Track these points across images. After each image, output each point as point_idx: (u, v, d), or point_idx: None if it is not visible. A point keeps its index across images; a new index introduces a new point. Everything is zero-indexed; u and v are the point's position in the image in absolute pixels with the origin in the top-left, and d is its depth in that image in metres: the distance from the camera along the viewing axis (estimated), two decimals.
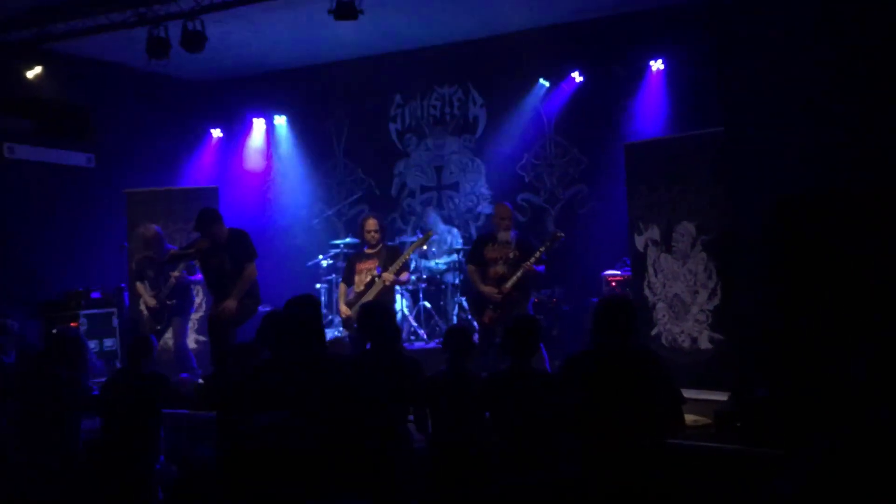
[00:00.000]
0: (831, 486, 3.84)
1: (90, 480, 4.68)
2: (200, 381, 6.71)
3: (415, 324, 8.08)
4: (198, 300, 8.05)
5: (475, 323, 6.86)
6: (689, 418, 5.13)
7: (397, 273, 6.74)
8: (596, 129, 8.37)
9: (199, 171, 10.02)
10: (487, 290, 6.48)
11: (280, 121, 10.02)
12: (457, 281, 8.33)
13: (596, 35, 8.18)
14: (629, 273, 7.18)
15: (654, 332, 6.64)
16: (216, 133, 10.15)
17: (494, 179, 9.11)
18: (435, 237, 8.58)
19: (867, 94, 6.28)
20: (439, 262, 8.48)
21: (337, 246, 8.71)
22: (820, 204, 6.64)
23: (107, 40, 7.69)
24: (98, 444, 4.87)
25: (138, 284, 7.62)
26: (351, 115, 9.81)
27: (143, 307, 7.64)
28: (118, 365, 8.04)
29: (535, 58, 8.49)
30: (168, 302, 7.35)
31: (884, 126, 6.11)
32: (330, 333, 7.55)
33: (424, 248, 8.03)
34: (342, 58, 9.38)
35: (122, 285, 8.41)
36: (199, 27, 6.89)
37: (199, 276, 7.09)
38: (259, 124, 10.10)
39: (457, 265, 8.32)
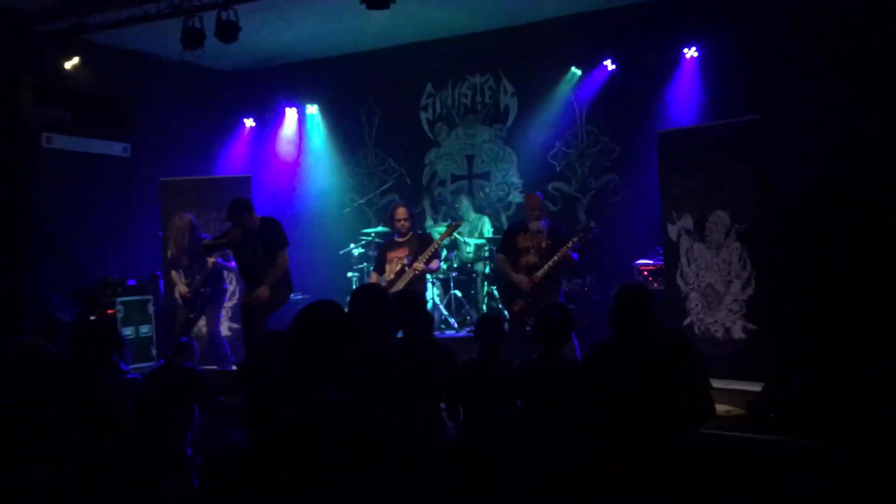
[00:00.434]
0: (865, 478, 3.80)
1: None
2: (234, 367, 6.80)
3: (445, 312, 8.11)
4: (231, 288, 8.15)
5: (505, 312, 6.86)
6: (723, 408, 5.12)
7: (427, 261, 6.76)
8: (628, 118, 8.30)
9: (233, 160, 10.12)
10: (519, 278, 6.48)
11: (312, 110, 10.07)
12: (487, 270, 8.33)
13: (629, 22, 8.10)
14: (661, 262, 7.14)
15: (686, 321, 6.59)
16: (249, 122, 10.23)
17: (525, 168, 9.09)
18: (464, 225, 8.58)
19: None
20: (470, 250, 8.48)
21: (368, 235, 8.75)
22: (858, 191, 6.55)
23: (142, 31, 7.79)
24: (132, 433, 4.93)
25: (173, 273, 7.74)
26: (382, 105, 9.84)
27: (177, 295, 7.76)
28: (153, 351, 8.19)
29: (566, 46, 8.44)
30: (202, 290, 7.45)
31: None
32: None
33: (455, 236, 8.05)
34: (373, 47, 9.40)
35: (158, 273, 8.53)
36: (232, 17, 6.95)
37: (234, 264, 7.17)
38: (291, 114, 10.16)
39: (487, 254, 8.32)
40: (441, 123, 9.55)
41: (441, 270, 7.84)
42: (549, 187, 8.73)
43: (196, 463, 4.86)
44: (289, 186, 10.19)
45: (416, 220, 7.42)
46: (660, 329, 3.93)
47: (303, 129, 10.21)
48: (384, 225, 8.66)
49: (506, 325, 5.77)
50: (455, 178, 9.50)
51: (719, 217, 6.44)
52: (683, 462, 3.60)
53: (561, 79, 8.63)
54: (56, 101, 8.54)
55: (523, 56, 8.90)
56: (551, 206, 8.45)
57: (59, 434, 4.18)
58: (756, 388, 5.34)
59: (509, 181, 9.20)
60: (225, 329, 8.09)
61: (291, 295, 6.89)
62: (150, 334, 8.25)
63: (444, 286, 8.33)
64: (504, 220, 9.03)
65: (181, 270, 7.63)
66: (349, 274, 8.73)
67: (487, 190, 9.30)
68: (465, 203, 9.10)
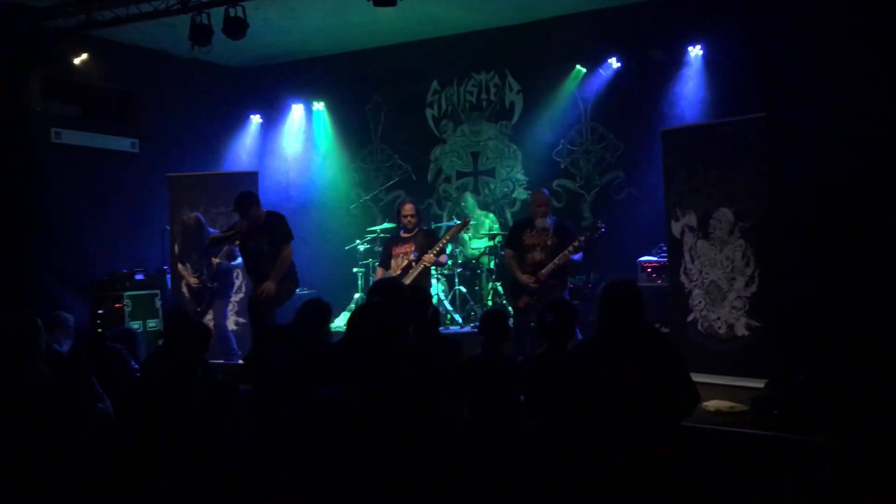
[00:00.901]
0: (868, 475, 3.83)
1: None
2: (241, 361, 6.85)
3: (450, 308, 8.15)
4: (238, 282, 8.21)
5: (510, 308, 6.90)
6: (726, 405, 5.15)
7: (437, 255, 6.80)
8: (633, 115, 8.33)
9: (240, 155, 10.17)
10: (525, 278, 6.52)
11: (318, 106, 10.11)
12: (492, 265, 8.37)
13: (634, 20, 8.12)
14: (665, 259, 7.16)
15: (689, 318, 6.62)
16: (256, 118, 10.28)
17: (530, 165, 9.12)
18: (472, 223, 8.62)
19: None
20: (475, 248, 8.52)
21: (374, 231, 8.80)
22: (864, 189, 6.56)
23: (151, 27, 7.85)
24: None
25: (179, 266, 7.81)
26: (388, 101, 9.88)
27: (184, 289, 7.81)
28: (161, 344, 8.23)
29: (572, 43, 8.47)
30: (210, 285, 7.51)
31: None
32: None
33: (463, 233, 8.09)
34: (380, 44, 9.44)
35: (165, 267, 8.59)
36: (240, 14, 6.99)
37: (240, 262, 7.23)
38: (298, 110, 10.21)
39: (492, 250, 8.35)
40: (446, 120, 9.58)
41: (447, 266, 7.88)
42: (554, 184, 8.77)
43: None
44: (295, 182, 10.23)
45: (423, 216, 7.46)
46: (646, 323, 3.99)
47: (309, 125, 10.26)
48: (390, 221, 8.70)
49: (510, 321, 5.82)
50: (460, 175, 9.53)
51: (723, 214, 6.46)
52: (680, 454, 3.63)
53: (566, 76, 8.66)
54: (65, 96, 8.60)
55: (529, 53, 8.94)
56: (556, 202, 8.49)
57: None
58: (759, 384, 5.37)
59: (514, 178, 9.23)
60: (231, 323, 8.14)
61: (297, 289, 6.95)
62: (157, 328, 8.31)
63: (449, 282, 8.37)
64: (509, 216, 9.07)
65: (188, 265, 7.69)
66: (354, 269, 8.78)
67: (492, 186, 9.33)
68: (470, 201, 9.14)
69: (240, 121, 10.23)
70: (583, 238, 6.49)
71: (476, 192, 9.36)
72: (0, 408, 3.81)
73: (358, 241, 8.87)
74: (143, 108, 9.24)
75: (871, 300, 6.15)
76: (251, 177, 8.62)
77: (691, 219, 6.65)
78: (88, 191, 8.66)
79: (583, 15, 8.33)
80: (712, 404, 5.19)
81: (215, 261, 7.43)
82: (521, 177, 9.19)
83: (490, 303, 8.23)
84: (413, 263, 6.81)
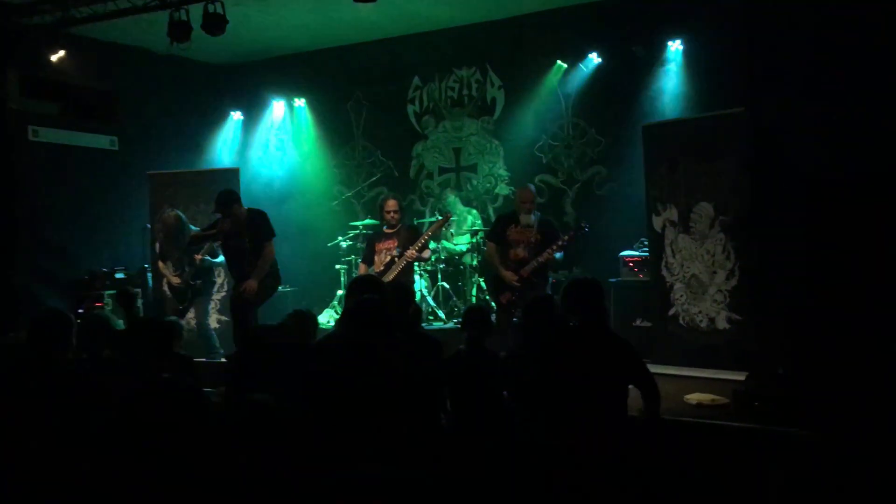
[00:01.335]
0: (848, 466, 3.87)
1: None
2: (223, 360, 6.81)
3: (433, 304, 8.16)
4: (219, 280, 8.16)
5: (493, 303, 6.91)
6: (707, 397, 5.19)
7: (419, 251, 6.80)
8: (614, 111, 8.35)
9: (221, 152, 10.11)
10: (507, 275, 6.52)
11: (299, 103, 10.06)
12: (475, 262, 8.38)
13: (614, 15, 8.13)
14: (647, 254, 7.20)
15: (671, 312, 6.67)
16: (237, 115, 10.22)
17: (512, 161, 9.13)
18: (454, 218, 8.63)
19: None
20: (458, 244, 8.53)
21: (356, 227, 8.78)
22: (844, 182, 6.61)
23: (129, 24, 7.76)
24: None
25: (160, 264, 7.74)
26: (370, 98, 9.84)
27: (165, 287, 7.76)
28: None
29: (553, 39, 8.48)
30: (192, 282, 7.46)
31: None
32: None
33: (444, 229, 8.07)
34: (361, 40, 9.41)
35: (146, 266, 8.53)
36: (219, 10, 6.94)
37: (222, 259, 7.18)
38: (279, 106, 10.16)
39: (475, 246, 8.36)
40: (428, 116, 9.57)
41: (430, 262, 7.88)
42: (536, 179, 8.76)
43: None
44: (276, 179, 10.19)
45: (405, 212, 7.45)
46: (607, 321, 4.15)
47: (290, 122, 10.21)
48: (372, 217, 8.68)
49: (493, 317, 5.83)
50: (442, 171, 9.53)
51: (704, 208, 6.51)
52: (616, 445, 3.70)
53: (547, 72, 8.66)
54: (42, 94, 8.50)
55: (510, 49, 8.94)
56: (538, 198, 8.49)
57: None
58: (740, 377, 5.41)
59: (496, 173, 9.24)
60: (213, 321, 8.10)
61: (280, 287, 6.92)
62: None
63: (432, 278, 8.37)
64: (491, 212, 9.07)
65: (169, 263, 7.63)
66: (337, 266, 8.76)
67: (475, 182, 9.34)
68: (451, 197, 9.13)
69: (220, 118, 10.16)
70: (566, 237, 6.51)
71: (458, 188, 9.35)
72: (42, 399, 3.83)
73: (340, 238, 8.85)
74: (122, 105, 9.16)
75: (850, 293, 6.21)
76: (232, 174, 8.58)
77: (672, 213, 6.70)
78: (67, 189, 8.59)
79: (563, 10, 8.34)
80: (694, 397, 5.23)
81: (198, 258, 7.38)
82: (503, 172, 9.20)
83: (473, 299, 8.24)
84: (396, 259, 6.81)
